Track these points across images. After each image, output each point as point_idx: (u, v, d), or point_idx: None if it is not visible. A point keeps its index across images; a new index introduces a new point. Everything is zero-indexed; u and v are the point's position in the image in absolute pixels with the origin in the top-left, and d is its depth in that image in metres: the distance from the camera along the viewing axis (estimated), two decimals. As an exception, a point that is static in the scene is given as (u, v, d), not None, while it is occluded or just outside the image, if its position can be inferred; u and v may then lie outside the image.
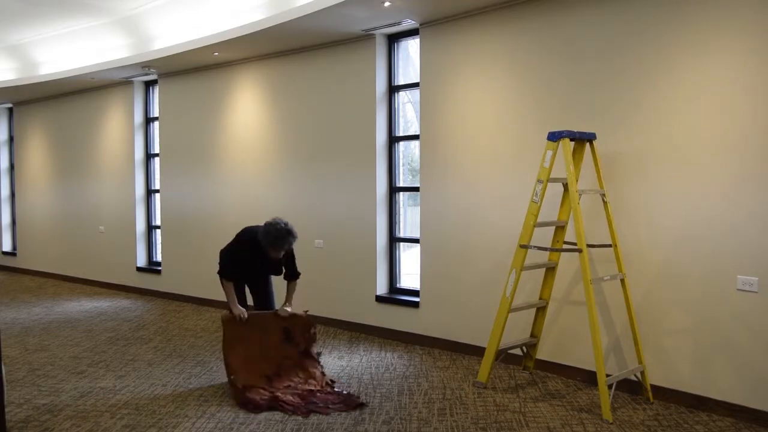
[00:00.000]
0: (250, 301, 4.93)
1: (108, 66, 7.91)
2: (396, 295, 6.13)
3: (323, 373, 4.74)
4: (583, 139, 4.41)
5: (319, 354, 4.87)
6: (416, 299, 5.87)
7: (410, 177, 6.32)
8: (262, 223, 4.61)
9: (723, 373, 4.05)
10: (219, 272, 4.71)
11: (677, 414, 4.09)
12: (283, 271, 4.77)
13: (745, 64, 3.91)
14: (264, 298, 4.90)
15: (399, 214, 6.27)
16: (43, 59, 8.83)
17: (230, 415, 4.11)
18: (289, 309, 4.75)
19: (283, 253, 4.54)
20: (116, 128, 9.08)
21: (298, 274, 4.85)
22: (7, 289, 9.43)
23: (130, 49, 7.71)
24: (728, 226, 4.00)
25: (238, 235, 4.78)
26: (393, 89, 6.18)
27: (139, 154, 8.86)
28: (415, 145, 6.13)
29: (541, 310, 4.83)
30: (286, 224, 4.48)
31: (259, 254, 4.56)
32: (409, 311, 5.90)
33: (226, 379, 4.84)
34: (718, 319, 4.06)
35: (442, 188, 5.59)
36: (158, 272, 8.54)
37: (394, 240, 6.24)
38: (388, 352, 5.60)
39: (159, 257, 8.85)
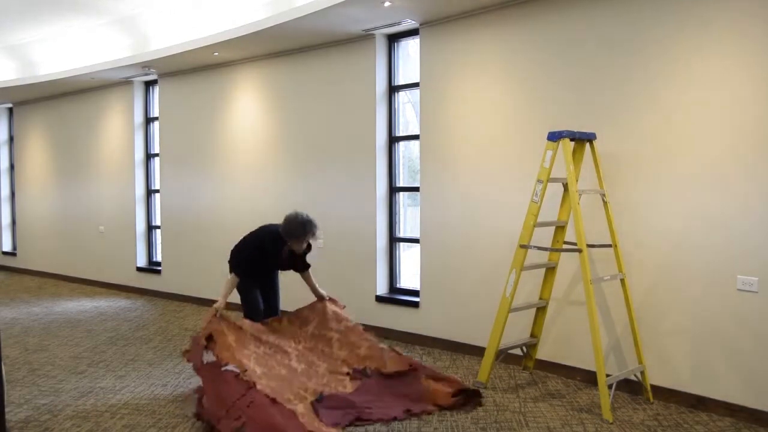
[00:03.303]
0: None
1: (108, 66, 7.91)
2: (396, 295, 6.13)
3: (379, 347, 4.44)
4: (583, 139, 4.41)
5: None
6: (416, 299, 5.87)
7: (410, 177, 6.31)
8: (263, 224, 4.72)
9: (723, 373, 4.05)
10: (231, 270, 4.65)
11: (677, 414, 4.09)
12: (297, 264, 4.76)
13: (747, 64, 3.91)
14: (274, 297, 4.88)
15: (399, 214, 6.27)
16: (43, 59, 8.83)
17: (230, 415, 4.11)
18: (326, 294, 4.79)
19: (306, 245, 4.58)
20: (116, 128, 9.08)
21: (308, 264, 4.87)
22: (7, 289, 9.43)
23: (130, 49, 7.71)
24: (728, 226, 4.00)
25: (254, 233, 4.75)
26: (393, 89, 6.18)
27: (139, 154, 8.86)
28: (415, 145, 6.13)
29: (541, 310, 4.83)
30: (306, 215, 4.54)
31: (276, 250, 4.59)
32: (409, 311, 5.90)
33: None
34: (718, 319, 4.06)
35: (442, 188, 5.58)
36: (158, 272, 8.54)
37: (394, 240, 6.24)
38: (388, 352, 5.59)
39: (159, 257, 8.85)
